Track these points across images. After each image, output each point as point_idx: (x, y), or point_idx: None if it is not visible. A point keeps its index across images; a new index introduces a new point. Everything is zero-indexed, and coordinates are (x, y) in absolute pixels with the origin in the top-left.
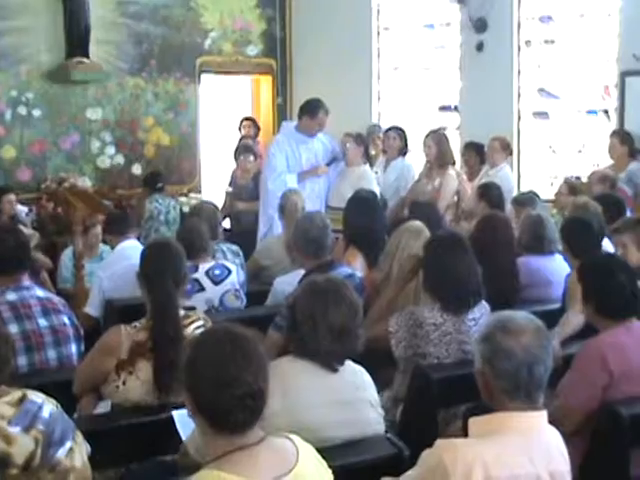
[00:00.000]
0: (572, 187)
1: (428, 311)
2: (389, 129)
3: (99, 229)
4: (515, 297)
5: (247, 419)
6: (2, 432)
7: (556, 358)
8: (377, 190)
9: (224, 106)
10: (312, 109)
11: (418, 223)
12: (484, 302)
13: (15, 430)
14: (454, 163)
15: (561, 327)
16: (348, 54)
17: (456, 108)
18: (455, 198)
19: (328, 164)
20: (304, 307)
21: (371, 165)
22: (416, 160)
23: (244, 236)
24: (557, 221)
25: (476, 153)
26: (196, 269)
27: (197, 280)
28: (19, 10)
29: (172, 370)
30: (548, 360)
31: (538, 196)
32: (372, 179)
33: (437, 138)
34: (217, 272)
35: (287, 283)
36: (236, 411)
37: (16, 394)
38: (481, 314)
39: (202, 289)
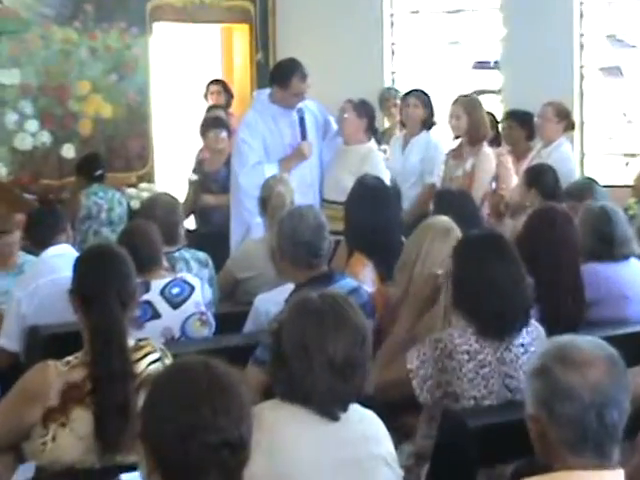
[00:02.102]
0: None
1: (459, 335)
2: (408, 94)
3: (17, 234)
4: (579, 317)
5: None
6: None
7: (636, 398)
8: (387, 176)
9: (185, 66)
10: (281, 76)
11: (445, 219)
12: (535, 323)
13: None
14: (499, 140)
15: None
16: None
17: (496, 64)
18: (494, 185)
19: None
20: (294, 334)
21: (380, 142)
22: (445, 135)
23: (215, 239)
24: (636, 214)
25: (521, 125)
26: (147, 288)
27: (149, 303)
28: None
29: (120, 419)
30: (625, 402)
31: (596, 182)
32: (379, 160)
33: (468, 105)
34: (176, 290)
35: (271, 302)
36: (209, 467)
37: None
38: (532, 339)
39: (157, 315)
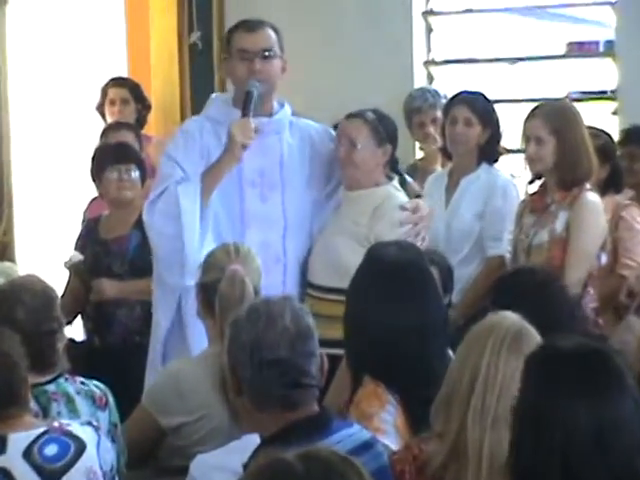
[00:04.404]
0: None
1: None
2: (455, 99)
3: None
4: None
5: None
6: None
7: None
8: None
9: (64, 56)
10: (225, 40)
11: (514, 318)
12: None
13: None
14: (618, 182)
15: None
16: None
17: (609, 47)
18: (605, 259)
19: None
20: None
21: (402, 181)
22: (518, 173)
23: (119, 358)
24: None
25: None
26: (2, 446)
27: (4, 471)
28: None
29: None
30: None
31: None
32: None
33: (558, 119)
34: (51, 451)
35: (219, 467)
36: None
37: None
38: None
39: None
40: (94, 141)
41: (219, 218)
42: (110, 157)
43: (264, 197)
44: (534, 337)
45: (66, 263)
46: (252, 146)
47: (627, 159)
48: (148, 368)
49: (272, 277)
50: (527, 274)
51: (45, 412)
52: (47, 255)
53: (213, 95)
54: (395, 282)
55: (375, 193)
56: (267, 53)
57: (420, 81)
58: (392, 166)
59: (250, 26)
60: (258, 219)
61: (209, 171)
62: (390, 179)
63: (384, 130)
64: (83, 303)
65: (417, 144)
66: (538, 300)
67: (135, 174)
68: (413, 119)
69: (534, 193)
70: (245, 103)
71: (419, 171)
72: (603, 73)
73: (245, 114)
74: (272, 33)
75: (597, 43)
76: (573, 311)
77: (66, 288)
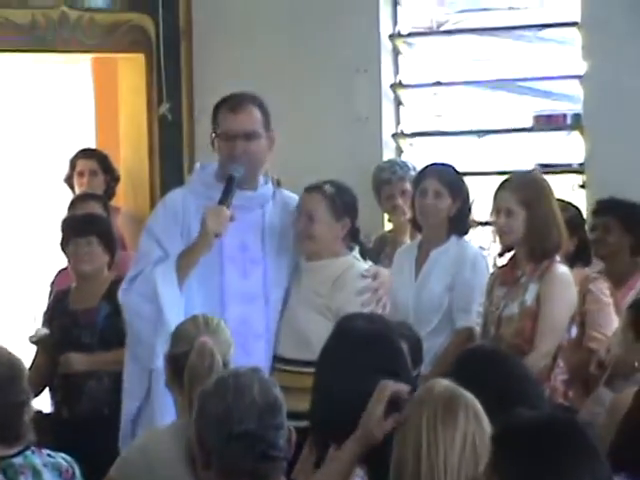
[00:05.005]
0: None
1: None
2: (425, 172)
3: None
4: None
5: None
6: None
7: None
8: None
9: (32, 127)
10: (213, 111)
11: (445, 384)
12: None
13: None
14: (586, 254)
15: None
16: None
17: (576, 120)
18: (574, 331)
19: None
20: None
21: (367, 256)
22: (488, 245)
23: (87, 430)
24: None
25: (625, 227)
26: None
27: None
28: None
29: None
30: None
31: None
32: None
33: (528, 191)
34: None
35: None
36: None
37: None
38: None
39: None
40: (63, 211)
41: (198, 294)
42: (72, 230)
43: (245, 273)
44: (465, 400)
45: (31, 337)
46: (234, 222)
47: (601, 230)
48: (121, 441)
49: (254, 354)
50: (487, 350)
51: None
52: (14, 328)
53: (197, 165)
54: (364, 355)
55: (334, 263)
56: (250, 134)
57: (389, 153)
58: (352, 237)
59: (234, 105)
60: (238, 295)
61: (184, 255)
62: (351, 249)
63: (342, 203)
64: (49, 379)
65: (386, 216)
66: (499, 375)
67: (95, 247)
68: (382, 191)
69: (504, 265)
70: (225, 189)
71: (388, 243)
72: (570, 146)
73: (222, 201)
74: (256, 112)
75: (565, 116)
76: (536, 385)
77: (32, 364)
